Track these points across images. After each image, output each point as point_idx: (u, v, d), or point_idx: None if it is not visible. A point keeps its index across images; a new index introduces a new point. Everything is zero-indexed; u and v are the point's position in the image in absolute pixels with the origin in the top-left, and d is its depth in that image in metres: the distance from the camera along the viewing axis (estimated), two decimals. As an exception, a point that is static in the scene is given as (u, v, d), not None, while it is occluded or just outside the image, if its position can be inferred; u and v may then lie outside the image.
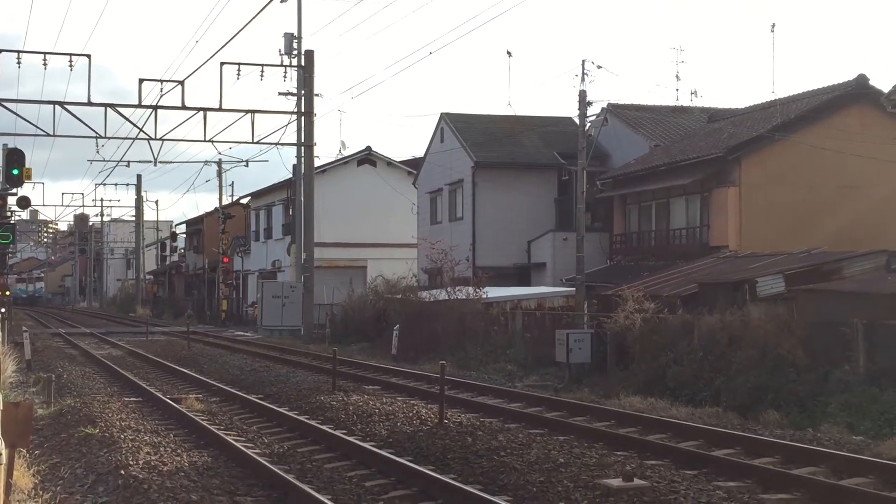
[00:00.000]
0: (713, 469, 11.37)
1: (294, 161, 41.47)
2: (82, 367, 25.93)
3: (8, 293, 36.32)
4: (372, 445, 12.86)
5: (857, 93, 29.32)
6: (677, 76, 40.33)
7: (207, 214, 66.65)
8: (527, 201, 37.82)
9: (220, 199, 58.59)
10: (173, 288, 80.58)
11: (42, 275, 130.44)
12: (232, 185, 65.96)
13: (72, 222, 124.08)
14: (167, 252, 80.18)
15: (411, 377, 22.25)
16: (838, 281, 19.90)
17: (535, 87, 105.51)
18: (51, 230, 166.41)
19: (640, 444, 12.94)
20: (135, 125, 31.86)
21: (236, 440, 13.28)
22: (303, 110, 36.56)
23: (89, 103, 30.07)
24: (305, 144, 36.98)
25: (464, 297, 28.77)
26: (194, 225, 73.06)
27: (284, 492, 10.34)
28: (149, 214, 79.73)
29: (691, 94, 40.70)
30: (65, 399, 17.87)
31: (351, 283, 39.74)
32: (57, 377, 21.06)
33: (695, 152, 31.15)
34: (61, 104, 30.23)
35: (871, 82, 29.33)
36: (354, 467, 11.83)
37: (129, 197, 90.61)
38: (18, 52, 29.10)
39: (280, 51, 39.50)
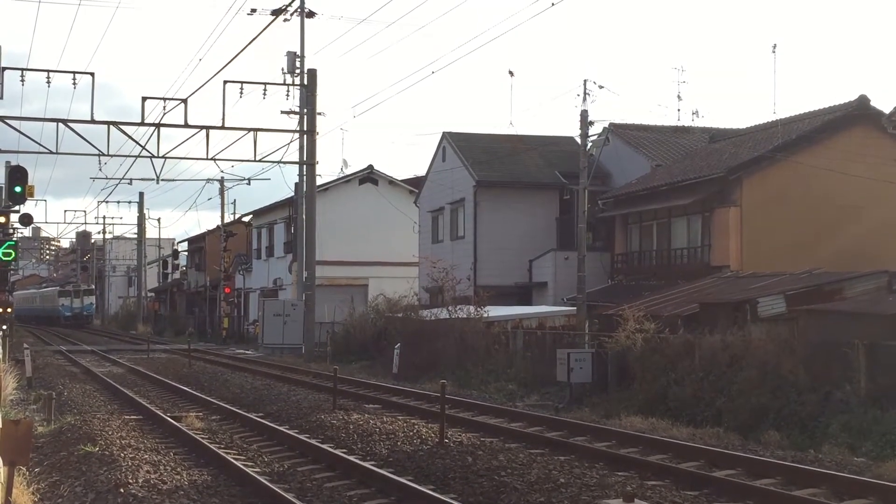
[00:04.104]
0: (714, 490, 11.34)
1: (296, 179, 41.56)
2: (83, 384, 25.89)
3: (10, 309, 36.37)
4: (372, 464, 12.85)
5: (858, 114, 29.38)
6: (679, 96, 40.73)
7: (209, 232, 66.71)
8: (528, 220, 37.86)
9: (223, 217, 58.69)
10: (175, 306, 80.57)
11: (93, 287, 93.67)
12: (234, 203, 66.15)
13: (74, 239, 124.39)
14: (169, 270, 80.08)
15: (412, 396, 22.22)
16: (840, 301, 19.90)
17: (537, 106, 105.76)
18: (53, 247, 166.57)
19: (640, 464, 12.91)
20: (137, 143, 31.96)
21: (236, 459, 13.25)
22: (305, 129, 36.66)
23: (92, 121, 30.15)
24: (307, 163, 37.05)
25: (465, 315, 28.75)
26: (196, 243, 73.12)
27: (284, 511, 10.32)
28: (151, 232, 79.90)
29: (693, 114, 40.98)
30: (65, 417, 17.84)
31: (352, 302, 39.72)
32: (57, 395, 21.03)
33: (696, 172, 31.20)
34: (64, 122, 30.32)
35: (872, 103, 29.43)
36: (354, 486, 11.81)
37: (132, 214, 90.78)
38: (22, 69, 29.12)
39: (283, 69, 39.71)
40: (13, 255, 28.94)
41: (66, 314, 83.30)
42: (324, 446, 14.37)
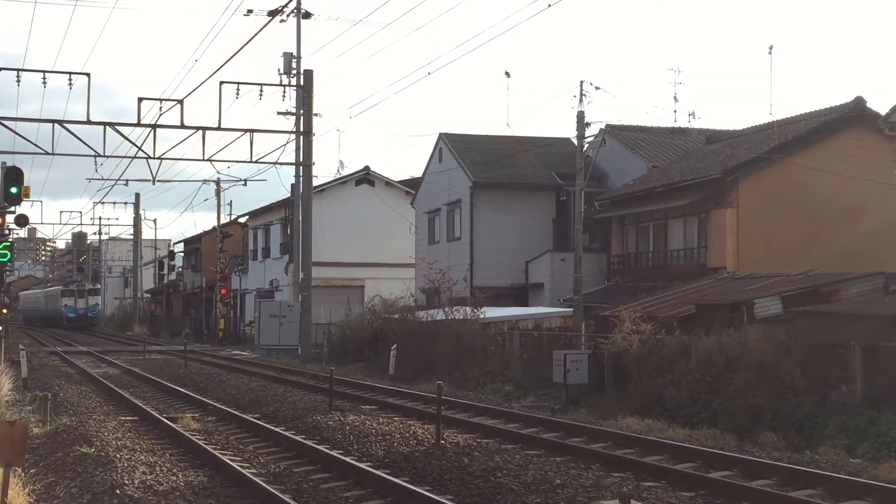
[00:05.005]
0: (710, 491, 11.34)
1: (292, 180, 41.56)
2: (79, 385, 25.87)
3: (6, 311, 36.29)
4: (368, 466, 12.83)
5: (855, 115, 29.39)
6: (675, 97, 40.37)
7: (205, 233, 66.63)
8: (525, 221, 37.86)
9: (219, 218, 58.60)
10: (171, 307, 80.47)
11: (98, 286, 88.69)
12: (230, 204, 65.74)
13: (70, 240, 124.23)
14: (165, 271, 79.95)
15: (408, 397, 22.21)
16: (836, 303, 19.90)
17: (534, 107, 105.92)
18: (48, 248, 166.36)
19: (637, 465, 12.91)
20: (134, 144, 31.92)
21: (232, 460, 13.24)
22: (301, 130, 36.64)
23: (88, 122, 30.12)
24: (304, 164, 37.04)
25: (461, 317, 28.74)
26: (192, 244, 73.03)
27: (280, 512, 10.30)
28: (147, 233, 79.75)
29: (689, 115, 40.63)
30: (61, 418, 17.82)
31: (348, 303, 39.69)
32: (53, 396, 20.96)
33: (692, 174, 31.21)
34: (60, 123, 30.28)
35: (869, 105, 29.43)
36: (351, 487, 11.80)
37: (128, 215, 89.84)
38: (18, 70, 29.06)
39: (279, 70, 39.76)
40: (8, 256, 28.82)
41: (69, 315, 79.29)
42: (320, 447, 14.35)
